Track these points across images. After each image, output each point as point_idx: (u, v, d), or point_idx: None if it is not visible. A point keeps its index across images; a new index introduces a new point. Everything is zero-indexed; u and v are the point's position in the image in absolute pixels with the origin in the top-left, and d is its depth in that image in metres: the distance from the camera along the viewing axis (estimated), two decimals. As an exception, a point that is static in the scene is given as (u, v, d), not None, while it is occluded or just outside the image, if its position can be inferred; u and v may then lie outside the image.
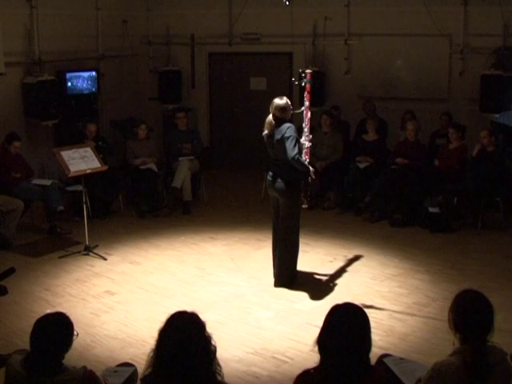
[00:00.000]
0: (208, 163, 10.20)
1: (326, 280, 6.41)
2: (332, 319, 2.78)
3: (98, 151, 7.61)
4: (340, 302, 2.90)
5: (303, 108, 6.27)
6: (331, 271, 6.65)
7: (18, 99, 9.01)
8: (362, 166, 8.68)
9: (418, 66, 9.74)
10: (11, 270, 5.00)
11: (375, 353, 3.78)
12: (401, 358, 3.93)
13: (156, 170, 8.88)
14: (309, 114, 6.27)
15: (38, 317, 3.15)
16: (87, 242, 7.16)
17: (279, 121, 5.96)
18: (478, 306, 2.94)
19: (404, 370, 3.70)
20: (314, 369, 2.77)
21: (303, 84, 6.26)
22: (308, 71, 6.33)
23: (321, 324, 2.82)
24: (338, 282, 6.37)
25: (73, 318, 3.19)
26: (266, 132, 6.07)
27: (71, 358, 3.20)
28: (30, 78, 8.95)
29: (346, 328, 2.71)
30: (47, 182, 8.00)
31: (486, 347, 2.87)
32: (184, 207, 8.78)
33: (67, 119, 9.30)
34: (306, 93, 6.24)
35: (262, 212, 8.65)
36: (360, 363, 2.72)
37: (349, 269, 6.71)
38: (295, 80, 6.50)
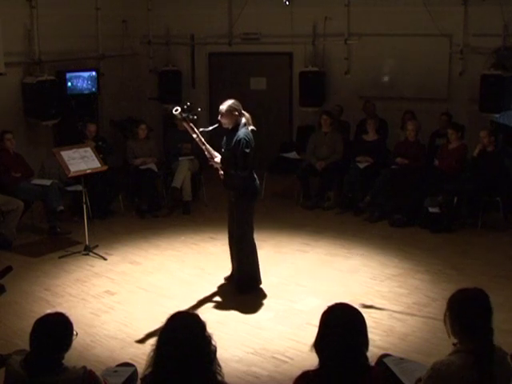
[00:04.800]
0: (208, 163, 10.18)
1: (326, 280, 6.42)
2: (326, 322, 2.78)
3: (97, 151, 7.61)
4: (337, 302, 2.89)
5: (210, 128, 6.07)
6: (331, 271, 6.66)
7: (18, 99, 9.02)
8: (361, 165, 8.68)
9: (418, 66, 9.74)
10: (8, 269, 5.00)
11: (375, 353, 3.78)
12: (401, 358, 3.92)
13: (156, 169, 8.88)
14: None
15: (38, 317, 3.15)
16: (87, 242, 7.16)
17: None
18: (475, 303, 2.93)
19: (404, 369, 3.69)
20: (314, 370, 2.77)
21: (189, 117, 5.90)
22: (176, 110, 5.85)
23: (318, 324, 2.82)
24: (337, 281, 6.37)
25: (73, 318, 3.19)
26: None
27: (71, 358, 3.20)
28: (30, 78, 8.95)
29: (340, 329, 2.71)
30: (47, 182, 7.99)
31: (491, 345, 2.87)
32: (184, 207, 8.78)
33: (67, 119, 9.30)
34: (189, 125, 5.86)
35: (262, 212, 8.65)
36: (358, 362, 2.72)
37: (349, 269, 6.71)
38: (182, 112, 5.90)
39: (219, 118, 5.85)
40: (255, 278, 6.14)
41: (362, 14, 9.88)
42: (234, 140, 5.75)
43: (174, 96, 10.69)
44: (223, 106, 5.80)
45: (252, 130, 5.87)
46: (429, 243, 7.44)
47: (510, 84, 8.85)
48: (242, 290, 6.05)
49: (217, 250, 7.29)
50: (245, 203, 5.96)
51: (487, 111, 8.93)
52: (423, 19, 9.30)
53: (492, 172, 7.80)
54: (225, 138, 5.95)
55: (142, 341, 5.08)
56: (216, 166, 5.99)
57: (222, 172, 6.02)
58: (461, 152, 8.21)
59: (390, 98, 9.92)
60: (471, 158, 8.07)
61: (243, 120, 5.84)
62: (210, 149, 5.95)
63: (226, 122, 5.83)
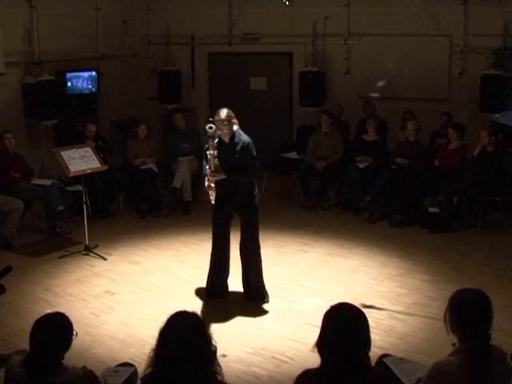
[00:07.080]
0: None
1: (326, 280, 6.42)
2: (328, 321, 2.78)
3: (97, 151, 7.61)
4: (340, 301, 2.89)
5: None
6: (331, 271, 6.66)
7: (18, 99, 9.02)
8: (361, 165, 8.68)
9: (417, 66, 9.74)
10: (8, 269, 4.99)
11: (375, 353, 3.78)
12: (401, 358, 3.93)
13: (156, 169, 8.88)
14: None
15: (38, 317, 3.15)
16: (87, 242, 7.15)
17: None
18: (476, 305, 2.93)
19: (404, 369, 3.69)
20: (315, 369, 2.77)
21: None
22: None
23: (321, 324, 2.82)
24: (337, 282, 6.37)
25: (73, 318, 3.19)
26: None
27: (71, 358, 3.20)
28: (29, 77, 8.96)
29: (342, 328, 2.71)
30: (47, 182, 7.98)
31: (489, 346, 2.87)
32: (184, 207, 8.78)
33: (67, 119, 9.30)
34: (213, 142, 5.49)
35: (262, 212, 8.63)
36: (360, 362, 2.72)
37: (349, 269, 6.71)
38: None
39: (219, 128, 5.49)
40: (264, 286, 6.05)
41: (362, 13, 9.89)
42: (241, 145, 5.53)
43: (174, 96, 10.69)
44: (223, 115, 5.47)
45: None
46: (429, 243, 7.44)
47: (510, 84, 8.85)
48: (255, 299, 5.95)
49: (217, 250, 7.29)
50: (255, 208, 5.77)
51: (487, 111, 8.93)
52: (423, 19, 9.31)
53: (492, 172, 7.80)
54: (218, 147, 5.55)
55: (141, 341, 5.08)
56: (218, 178, 5.59)
57: (212, 184, 5.66)
58: (461, 152, 8.20)
59: (389, 98, 9.93)
60: (471, 158, 8.07)
61: (235, 127, 5.60)
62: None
63: (227, 131, 5.51)
